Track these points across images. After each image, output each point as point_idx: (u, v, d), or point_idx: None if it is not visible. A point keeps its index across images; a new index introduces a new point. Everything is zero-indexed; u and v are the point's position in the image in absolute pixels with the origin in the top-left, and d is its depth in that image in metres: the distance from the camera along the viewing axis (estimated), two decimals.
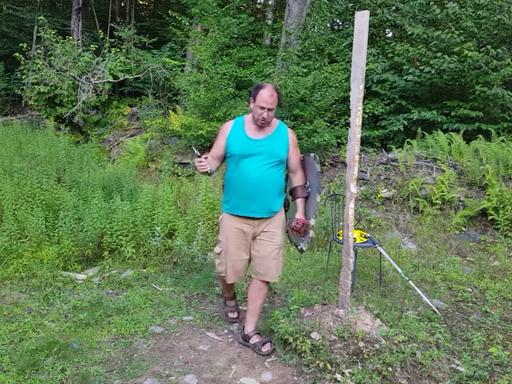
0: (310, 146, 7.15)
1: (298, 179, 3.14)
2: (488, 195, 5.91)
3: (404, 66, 8.24)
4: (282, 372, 2.94)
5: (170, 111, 9.21)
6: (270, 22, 12.90)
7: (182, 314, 3.70)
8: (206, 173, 2.84)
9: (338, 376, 2.77)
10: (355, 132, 2.93)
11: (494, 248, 5.45)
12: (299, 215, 3.07)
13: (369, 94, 8.46)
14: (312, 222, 3.06)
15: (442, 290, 4.39)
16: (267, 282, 3.20)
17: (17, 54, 9.64)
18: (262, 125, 2.96)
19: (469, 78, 7.69)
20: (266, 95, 2.87)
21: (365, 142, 8.15)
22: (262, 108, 2.89)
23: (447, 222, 5.96)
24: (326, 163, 7.46)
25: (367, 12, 2.87)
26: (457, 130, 7.50)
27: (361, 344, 2.93)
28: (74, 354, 3.01)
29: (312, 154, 3.07)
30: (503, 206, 5.74)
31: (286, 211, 3.21)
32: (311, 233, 3.08)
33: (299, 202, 3.11)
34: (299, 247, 3.16)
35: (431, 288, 4.45)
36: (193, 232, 4.96)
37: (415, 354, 2.96)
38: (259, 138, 3.00)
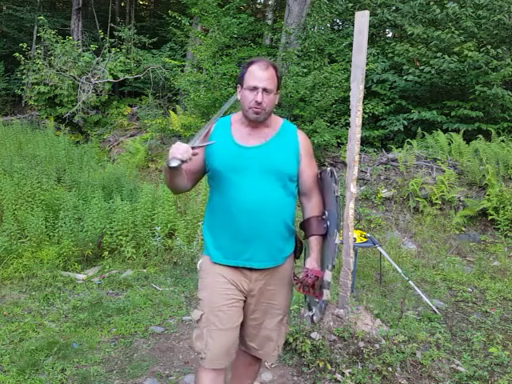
0: None
1: (312, 206, 2.05)
2: (488, 195, 5.91)
3: (404, 66, 8.24)
4: (282, 372, 2.94)
5: (170, 111, 9.22)
6: (270, 22, 12.91)
7: (181, 313, 3.70)
8: (170, 164, 1.77)
9: (338, 376, 2.77)
10: (355, 132, 2.93)
11: (494, 248, 5.45)
12: (312, 263, 1.96)
13: (369, 94, 8.46)
14: (329, 275, 1.90)
15: (442, 290, 4.39)
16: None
17: (17, 54, 9.65)
18: (256, 116, 1.91)
19: (469, 78, 7.70)
20: (259, 70, 1.89)
21: (365, 141, 8.15)
22: (254, 88, 1.88)
23: (447, 221, 5.96)
24: (326, 163, 7.47)
25: (367, 12, 2.87)
26: (457, 130, 7.50)
27: (361, 344, 2.93)
28: (74, 353, 3.01)
29: (328, 169, 2.02)
30: (503, 206, 5.74)
31: (297, 257, 2.12)
32: (326, 294, 1.89)
33: (314, 242, 2.01)
34: (310, 313, 2.04)
35: (431, 288, 4.45)
36: (193, 232, 4.96)
37: (415, 354, 2.96)
38: (253, 145, 1.95)
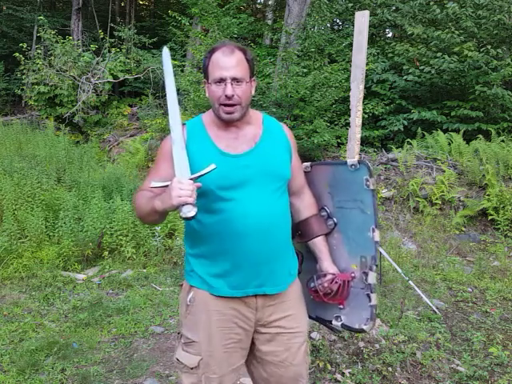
0: (310, 146, 7.15)
1: (307, 205, 1.79)
2: (488, 195, 5.91)
3: (404, 66, 8.24)
4: None
5: None
6: (270, 22, 12.91)
7: None
8: (189, 216, 1.38)
9: (338, 376, 2.77)
10: (355, 132, 2.93)
11: (494, 248, 5.45)
12: (331, 267, 1.73)
13: (369, 94, 8.46)
14: (372, 276, 1.68)
15: (442, 290, 4.39)
16: None
17: (17, 54, 9.66)
18: (229, 116, 1.56)
19: (469, 78, 7.70)
20: (223, 57, 1.54)
21: (365, 142, 8.15)
22: (221, 80, 1.53)
23: (447, 222, 5.96)
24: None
25: (367, 12, 2.87)
26: (457, 130, 7.50)
27: (361, 344, 2.94)
28: (74, 354, 3.01)
29: (350, 162, 1.74)
30: (503, 206, 5.74)
31: (299, 272, 1.80)
32: (373, 298, 1.67)
33: (321, 243, 1.77)
34: (336, 322, 1.76)
35: (431, 288, 4.45)
36: None
37: (415, 354, 2.96)
38: (244, 152, 1.61)
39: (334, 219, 1.79)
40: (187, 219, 1.39)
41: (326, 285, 1.69)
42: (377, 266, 1.67)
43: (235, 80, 1.52)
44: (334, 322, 1.76)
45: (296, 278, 1.75)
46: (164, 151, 1.64)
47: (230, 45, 1.57)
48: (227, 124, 1.61)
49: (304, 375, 1.75)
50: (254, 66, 1.62)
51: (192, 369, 1.63)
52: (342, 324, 1.73)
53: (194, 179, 1.44)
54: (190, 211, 1.37)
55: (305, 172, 1.83)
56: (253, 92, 1.63)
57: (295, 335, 1.70)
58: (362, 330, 1.71)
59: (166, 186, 1.43)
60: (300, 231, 1.80)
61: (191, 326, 1.65)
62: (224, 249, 1.60)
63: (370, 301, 1.67)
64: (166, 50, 1.68)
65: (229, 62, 1.52)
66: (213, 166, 1.45)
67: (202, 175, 1.45)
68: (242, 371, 1.82)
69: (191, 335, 1.64)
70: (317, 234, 1.76)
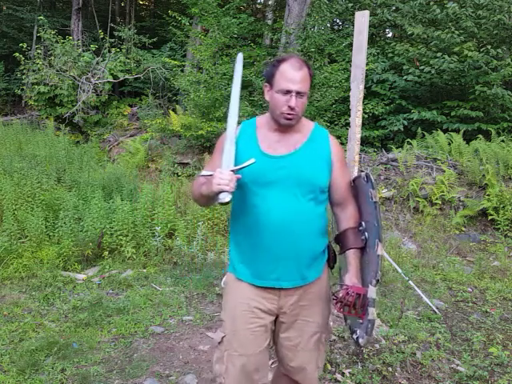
0: None
1: (347, 217, 1.89)
2: (488, 195, 5.91)
3: (404, 66, 8.25)
4: None
5: (170, 111, 9.22)
6: (270, 22, 12.90)
7: (182, 313, 3.70)
8: (224, 201, 1.62)
9: (338, 376, 2.77)
10: (355, 132, 2.93)
11: (494, 248, 5.45)
12: (352, 279, 1.80)
13: (369, 94, 8.46)
14: (373, 291, 1.71)
15: (442, 289, 4.39)
16: None
17: (17, 54, 9.66)
18: (288, 122, 1.74)
19: (469, 78, 7.70)
20: (292, 70, 1.69)
21: (365, 142, 8.16)
22: (287, 92, 1.69)
23: (447, 222, 5.96)
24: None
25: (367, 12, 2.87)
26: (457, 130, 7.50)
27: None
28: (74, 353, 3.01)
29: (363, 174, 1.85)
30: (503, 206, 5.74)
31: (331, 267, 1.95)
32: (371, 312, 1.70)
33: (351, 256, 1.84)
34: (355, 336, 1.80)
35: (431, 288, 4.45)
36: (193, 232, 4.96)
37: (415, 354, 2.96)
38: (282, 154, 1.77)
39: (366, 234, 1.82)
40: (222, 204, 1.62)
41: (340, 295, 1.75)
42: (378, 280, 1.68)
43: (300, 94, 1.70)
44: (353, 336, 1.81)
45: (320, 275, 1.86)
46: (218, 145, 1.88)
47: (300, 59, 1.73)
48: (278, 128, 1.79)
49: (313, 361, 1.90)
50: (312, 80, 1.82)
51: (219, 344, 1.87)
52: (357, 338, 1.75)
53: (235, 171, 1.66)
54: (225, 197, 1.60)
55: (351, 186, 1.90)
56: (307, 102, 1.82)
57: (309, 324, 1.85)
58: (358, 345, 1.77)
59: (211, 175, 1.65)
60: (339, 242, 1.90)
61: (224, 308, 1.91)
62: (249, 239, 1.79)
63: (365, 315, 1.71)
64: (240, 56, 1.99)
65: (297, 77, 1.69)
66: (252, 161, 1.66)
67: (242, 168, 1.67)
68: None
69: (222, 315, 1.90)
70: (349, 246, 1.85)
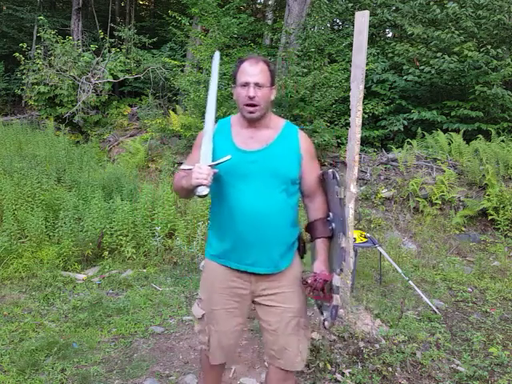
0: None
1: (316, 208, 2.03)
2: (488, 195, 5.91)
3: (404, 66, 8.24)
4: None
5: (170, 111, 9.22)
6: (270, 22, 12.90)
7: (182, 314, 3.70)
8: (201, 194, 1.76)
9: (338, 376, 2.77)
10: (355, 132, 2.93)
11: (494, 248, 5.45)
12: (319, 266, 1.95)
13: (369, 94, 8.46)
14: (337, 279, 1.86)
15: (442, 289, 4.39)
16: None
17: (17, 54, 9.65)
18: (250, 115, 1.88)
19: (469, 78, 7.70)
20: (249, 66, 1.87)
21: (365, 142, 8.16)
22: (246, 84, 1.85)
23: (447, 222, 5.96)
24: (326, 163, 7.47)
25: (367, 12, 2.87)
26: (457, 130, 7.50)
27: (361, 344, 2.93)
28: (74, 353, 3.01)
29: (330, 171, 1.97)
30: (503, 206, 5.74)
31: (301, 257, 2.09)
32: (336, 299, 1.85)
33: (320, 245, 1.99)
34: (322, 318, 1.99)
35: (431, 288, 4.45)
36: (193, 232, 4.96)
37: (415, 354, 2.96)
38: (254, 149, 1.91)
39: (333, 224, 1.98)
40: (200, 197, 1.77)
41: (309, 281, 1.90)
42: (342, 270, 1.85)
43: (257, 85, 1.84)
44: (321, 317, 2.00)
45: (292, 263, 1.99)
46: (197, 141, 2.04)
47: (256, 56, 1.92)
48: (248, 124, 1.93)
49: (293, 345, 2.01)
50: (274, 75, 1.95)
51: (199, 319, 2.10)
52: (323, 320, 1.95)
53: (212, 166, 1.80)
54: (203, 191, 1.74)
55: (320, 179, 2.04)
56: (272, 97, 1.93)
57: (287, 310, 1.98)
58: (323, 326, 1.95)
59: (191, 169, 1.80)
60: (309, 231, 2.05)
61: (202, 287, 2.12)
62: (225, 227, 1.95)
63: (333, 300, 1.85)
64: (216, 54, 2.13)
65: (253, 70, 1.85)
66: (228, 157, 1.82)
67: (219, 163, 1.82)
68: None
69: (201, 294, 2.11)
70: (318, 235, 2.01)
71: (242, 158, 1.89)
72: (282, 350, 2.00)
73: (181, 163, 7.83)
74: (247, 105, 1.85)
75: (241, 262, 1.94)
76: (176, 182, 1.98)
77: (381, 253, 4.35)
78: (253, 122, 1.91)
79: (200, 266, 2.12)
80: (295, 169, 1.94)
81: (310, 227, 2.04)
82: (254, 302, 2.03)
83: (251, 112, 1.87)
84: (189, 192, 1.87)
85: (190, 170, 1.80)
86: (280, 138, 1.95)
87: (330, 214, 2.01)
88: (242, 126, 1.95)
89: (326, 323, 1.91)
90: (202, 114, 7.89)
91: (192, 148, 2.09)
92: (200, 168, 1.76)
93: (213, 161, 1.85)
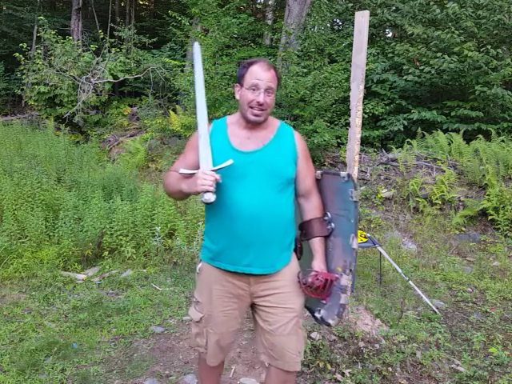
0: (310, 146, 7.15)
1: (312, 207, 2.03)
2: (488, 195, 5.91)
3: (404, 66, 8.25)
4: None
5: (170, 111, 9.22)
6: (270, 22, 12.91)
7: (182, 314, 3.70)
8: (209, 202, 1.76)
9: (338, 376, 2.77)
10: (355, 132, 2.93)
11: (494, 248, 5.45)
12: (319, 265, 1.96)
13: (369, 94, 8.46)
14: (346, 279, 1.89)
15: (442, 289, 4.39)
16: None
17: (17, 54, 9.65)
18: (256, 118, 1.88)
19: (469, 78, 7.70)
20: (261, 70, 1.87)
21: (365, 142, 8.16)
22: (256, 87, 1.85)
23: (447, 222, 5.96)
24: (326, 163, 7.47)
25: (367, 12, 2.87)
26: (457, 130, 7.50)
27: (361, 344, 2.93)
28: (74, 354, 3.01)
29: (343, 174, 1.95)
30: (503, 206, 5.74)
31: (298, 258, 2.08)
32: (343, 298, 1.88)
33: (317, 243, 1.99)
34: (318, 315, 1.99)
35: (431, 288, 4.45)
36: (193, 232, 4.96)
37: (415, 353, 2.96)
38: (251, 150, 1.91)
39: (332, 224, 2.00)
40: (207, 204, 1.76)
41: (309, 280, 1.92)
42: (351, 270, 1.86)
43: (268, 91, 1.86)
44: (315, 314, 2.01)
45: (289, 263, 1.99)
46: (192, 142, 2.00)
47: (267, 62, 1.92)
48: (247, 124, 1.93)
49: (292, 346, 2.00)
50: (280, 81, 2.00)
51: (197, 322, 2.08)
52: (321, 317, 1.97)
53: (216, 170, 1.79)
54: (210, 198, 1.73)
55: (317, 179, 2.06)
56: (274, 104, 1.96)
57: (286, 310, 1.97)
58: (328, 324, 1.96)
59: (193, 174, 1.79)
60: (304, 230, 2.04)
61: (199, 290, 2.09)
62: (222, 228, 1.93)
63: (340, 298, 1.89)
64: (196, 45, 2.04)
65: (266, 76, 1.86)
66: (230, 161, 1.82)
67: (221, 168, 1.80)
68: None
69: (198, 297, 2.08)
70: (315, 234, 2.00)
71: (239, 158, 1.88)
72: (281, 351, 2.00)
73: None
74: (254, 108, 1.86)
75: (237, 263, 1.92)
76: (171, 183, 1.95)
77: (381, 253, 4.35)
78: (254, 124, 1.92)
79: (197, 268, 2.08)
80: (292, 168, 1.95)
81: (305, 226, 2.03)
82: (253, 303, 2.02)
83: (257, 115, 1.87)
84: (186, 196, 1.87)
85: (192, 174, 1.78)
86: (276, 138, 1.96)
87: (328, 213, 2.03)
88: (240, 127, 1.95)
89: (332, 321, 1.90)
90: None
91: (185, 148, 2.05)
92: (205, 174, 1.74)
93: (214, 164, 1.84)
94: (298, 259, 2.07)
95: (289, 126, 2.04)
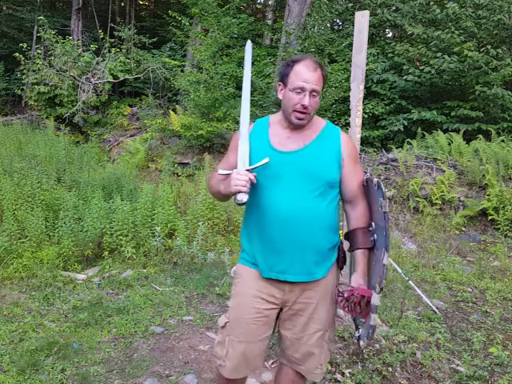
0: None
1: (357, 216, 1.89)
2: (488, 195, 5.91)
3: (404, 66, 8.25)
4: None
5: (170, 111, 9.22)
6: (270, 22, 12.92)
7: (182, 313, 3.70)
8: (241, 202, 1.68)
9: (338, 376, 2.77)
10: (355, 132, 2.93)
11: (494, 248, 5.45)
12: (358, 280, 1.82)
13: (369, 94, 8.46)
14: (376, 298, 1.71)
15: (442, 289, 4.39)
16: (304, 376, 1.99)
17: (17, 54, 9.66)
18: (299, 122, 1.78)
19: (469, 78, 7.70)
20: (307, 70, 1.74)
21: (365, 142, 8.16)
22: (301, 90, 1.74)
23: (447, 222, 5.96)
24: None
25: (367, 12, 2.87)
26: (457, 130, 7.50)
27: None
28: (74, 354, 3.01)
29: (375, 180, 1.81)
30: (503, 206, 5.74)
31: (340, 268, 1.96)
32: (373, 319, 1.70)
33: (360, 256, 1.85)
34: (357, 334, 1.85)
35: (431, 288, 4.45)
36: (193, 232, 4.96)
37: (415, 353, 2.96)
38: (292, 150, 1.81)
39: (375, 236, 1.83)
40: (239, 204, 1.68)
41: (345, 295, 1.77)
42: (382, 288, 1.69)
43: (313, 93, 1.75)
44: (355, 333, 1.88)
45: (328, 273, 1.86)
46: (233, 143, 1.95)
47: (314, 60, 1.79)
48: (289, 125, 1.84)
49: (315, 355, 1.90)
50: (326, 80, 1.89)
51: (222, 328, 1.95)
52: (358, 336, 1.81)
53: (250, 170, 1.73)
54: (242, 198, 1.67)
55: (363, 185, 1.90)
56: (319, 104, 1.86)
57: (314, 321, 1.87)
58: (358, 343, 1.82)
59: (229, 174, 1.73)
60: (349, 240, 1.90)
61: (231, 295, 1.97)
62: (257, 230, 1.85)
63: (369, 319, 1.71)
64: (249, 43, 1.99)
65: (312, 77, 1.74)
66: (266, 160, 1.74)
67: (257, 167, 1.74)
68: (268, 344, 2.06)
69: (229, 302, 1.97)
70: (357, 246, 1.85)
71: (277, 158, 1.79)
72: (304, 358, 1.91)
73: (181, 163, 7.85)
74: (298, 111, 1.76)
75: (272, 269, 1.82)
76: (213, 185, 1.90)
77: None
78: (299, 127, 1.83)
79: (231, 272, 2.01)
80: (334, 171, 1.81)
81: (349, 236, 1.88)
82: (282, 310, 1.91)
83: (301, 119, 1.78)
84: (227, 197, 1.84)
85: (228, 174, 1.73)
86: (319, 139, 1.84)
87: (373, 223, 1.85)
88: (282, 127, 1.86)
89: (361, 343, 1.77)
90: (202, 114, 7.90)
91: (227, 150, 2.01)
92: (239, 174, 1.69)
93: (250, 164, 1.77)
94: (341, 269, 1.95)
95: (335, 126, 1.92)
